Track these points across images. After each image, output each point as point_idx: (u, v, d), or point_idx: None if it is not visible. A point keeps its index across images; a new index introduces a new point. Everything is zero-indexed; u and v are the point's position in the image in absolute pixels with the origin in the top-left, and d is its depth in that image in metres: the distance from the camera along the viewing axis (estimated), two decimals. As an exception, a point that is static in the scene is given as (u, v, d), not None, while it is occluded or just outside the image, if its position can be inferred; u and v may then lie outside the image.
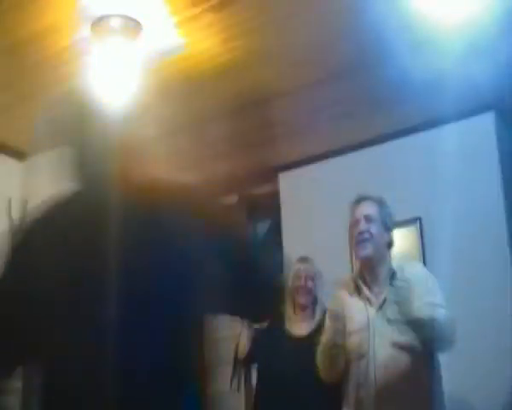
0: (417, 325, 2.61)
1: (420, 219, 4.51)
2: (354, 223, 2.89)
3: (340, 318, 2.81)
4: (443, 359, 2.85)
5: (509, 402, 3.74)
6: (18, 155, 4.56)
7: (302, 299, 3.56)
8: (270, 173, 5.08)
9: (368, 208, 2.89)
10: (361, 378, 2.71)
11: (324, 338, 2.89)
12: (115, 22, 3.26)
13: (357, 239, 2.85)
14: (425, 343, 2.65)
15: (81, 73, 3.52)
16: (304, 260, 3.71)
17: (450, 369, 3.15)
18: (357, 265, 2.97)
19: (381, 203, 2.92)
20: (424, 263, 4.37)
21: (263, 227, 5.70)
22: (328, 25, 3.44)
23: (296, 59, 3.74)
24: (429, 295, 2.69)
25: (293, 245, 4.95)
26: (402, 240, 4.53)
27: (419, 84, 3.92)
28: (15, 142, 4.48)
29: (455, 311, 3.98)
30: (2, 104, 3.98)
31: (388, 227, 2.89)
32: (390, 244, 2.91)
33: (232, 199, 5.45)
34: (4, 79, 3.72)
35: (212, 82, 3.87)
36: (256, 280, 1.42)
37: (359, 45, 3.60)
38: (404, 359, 2.65)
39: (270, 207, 5.24)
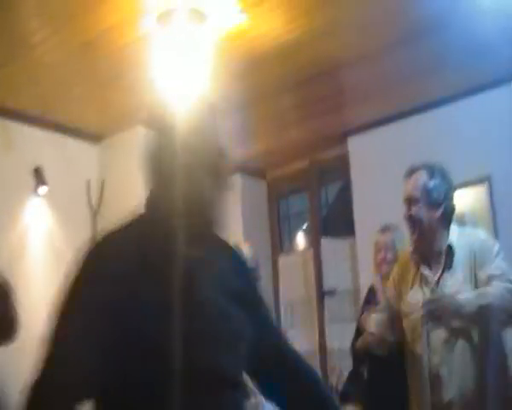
0: (469, 312, 2.52)
1: (489, 177, 4.48)
2: (403, 202, 2.77)
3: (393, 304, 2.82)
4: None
5: None
6: (94, 138, 4.92)
7: (385, 270, 3.62)
8: (340, 137, 5.14)
9: (414, 185, 2.73)
10: (416, 361, 2.69)
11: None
12: (180, 14, 3.38)
13: (406, 221, 2.77)
14: (482, 325, 2.55)
15: (149, 61, 3.68)
16: (383, 230, 3.64)
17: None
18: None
19: (431, 173, 2.72)
20: (495, 223, 4.39)
21: (333, 190, 5.80)
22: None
23: (359, 29, 3.77)
24: (489, 269, 2.57)
25: (363, 206, 5.04)
26: (471, 199, 4.56)
27: (484, 46, 3.92)
28: (91, 126, 4.80)
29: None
30: (79, 93, 4.24)
31: (438, 201, 2.69)
32: (445, 216, 2.72)
33: (303, 164, 5.57)
34: (81, 71, 3.96)
35: (278, 58, 3.97)
36: None
37: (424, 10, 3.59)
38: (459, 343, 2.58)
39: (340, 170, 5.32)
